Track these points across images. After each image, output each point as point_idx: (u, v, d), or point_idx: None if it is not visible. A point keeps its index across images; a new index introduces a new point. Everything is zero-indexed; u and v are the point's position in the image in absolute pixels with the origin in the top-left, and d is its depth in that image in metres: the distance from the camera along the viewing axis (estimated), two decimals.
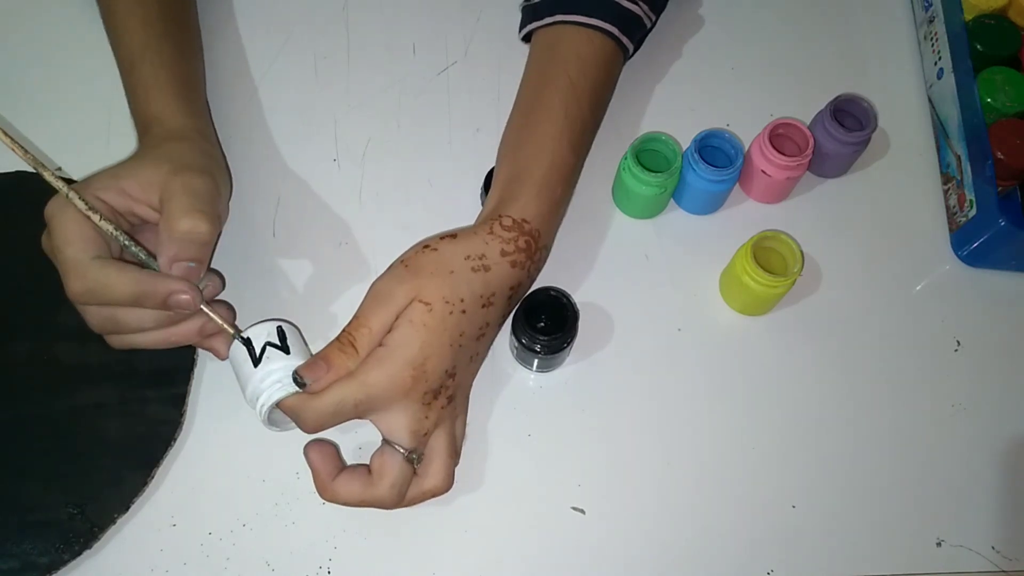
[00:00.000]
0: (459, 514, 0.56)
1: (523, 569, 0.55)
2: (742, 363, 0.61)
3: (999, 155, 0.62)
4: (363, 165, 0.66)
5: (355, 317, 0.52)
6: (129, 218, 0.53)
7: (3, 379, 0.57)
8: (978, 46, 0.66)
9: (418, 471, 0.53)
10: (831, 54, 0.72)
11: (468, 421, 0.57)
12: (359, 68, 0.69)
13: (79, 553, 0.53)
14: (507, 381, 0.59)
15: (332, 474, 0.52)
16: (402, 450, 0.51)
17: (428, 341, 0.50)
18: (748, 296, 0.60)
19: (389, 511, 0.53)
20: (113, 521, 0.53)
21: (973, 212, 0.62)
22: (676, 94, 0.69)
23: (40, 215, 0.61)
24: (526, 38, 0.64)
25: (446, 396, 0.53)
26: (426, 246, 0.53)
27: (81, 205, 0.49)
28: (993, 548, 0.56)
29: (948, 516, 0.57)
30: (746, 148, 0.64)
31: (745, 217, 0.65)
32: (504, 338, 0.60)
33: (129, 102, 0.59)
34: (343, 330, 0.52)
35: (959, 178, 0.64)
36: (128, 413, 0.56)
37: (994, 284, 0.64)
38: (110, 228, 0.50)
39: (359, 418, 0.52)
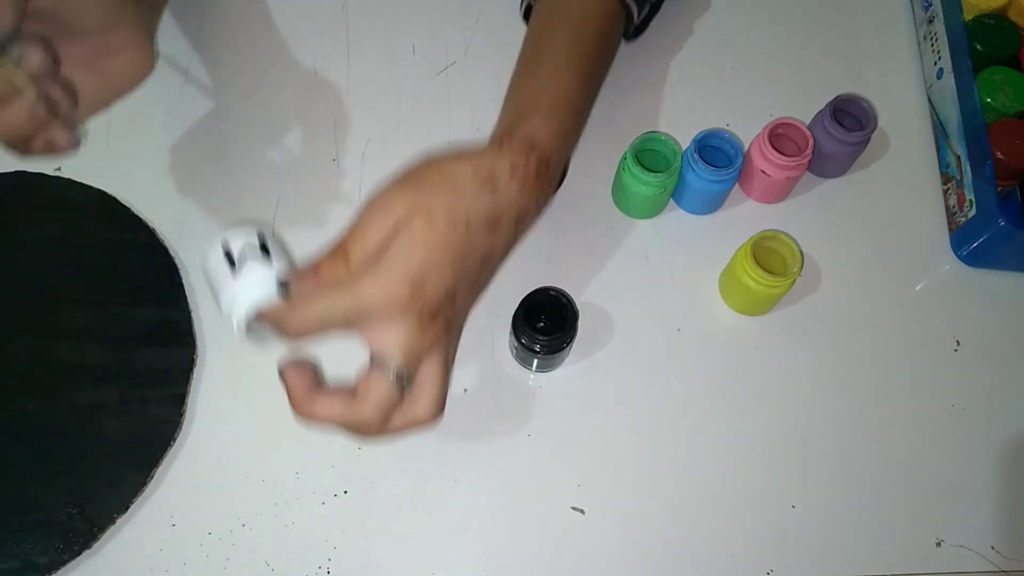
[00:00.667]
0: (459, 514, 0.56)
1: (523, 569, 0.55)
2: (742, 363, 0.61)
3: (999, 155, 0.62)
4: (363, 165, 0.66)
5: (349, 227, 0.47)
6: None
7: (3, 379, 0.57)
8: (978, 46, 0.66)
9: (406, 398, 0.48)
10: (831, 54, 0.72)
11: (468, 421, 0.57)
12: (359, 68, 0.69)
13: (79, 553, 0.53)
14: (507, 381, 0.59)
15: (309, 391, 0.47)
16: (392, 371, 0.46)
17: (428, 258, 0.46)
18: (748, 296, 0.60)
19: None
20: (113, 521, 0.54)
21: (973, 212, 0.62)
22: (676, 94, 0.69)
23: (40, 215, 0.62)
24: (527, 16, 0.63)
25: (444, 319, 0.48)
26: (430, 158, 0.49)
27: None
28: (993, 548, 0.56)
29: (947, 516, 0.57)
30: (746, 148, 0.64)
31: (745, 217, 0.65)
32: (504, 338, 0.60)
33: None
34: (339, 236, 0.48)
35: (959, 178, 0.64)
36: (128, 413, 0.56)
37: (994, 284, 0.64)
38: None
39: (346, 331, 0.47)
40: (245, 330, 0.48)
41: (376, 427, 0.47)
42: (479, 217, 0.48)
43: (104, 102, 0.50)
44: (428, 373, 0.48)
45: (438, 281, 0.47)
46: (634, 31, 0.66)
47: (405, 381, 0.47)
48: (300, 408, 0.48)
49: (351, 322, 0.47)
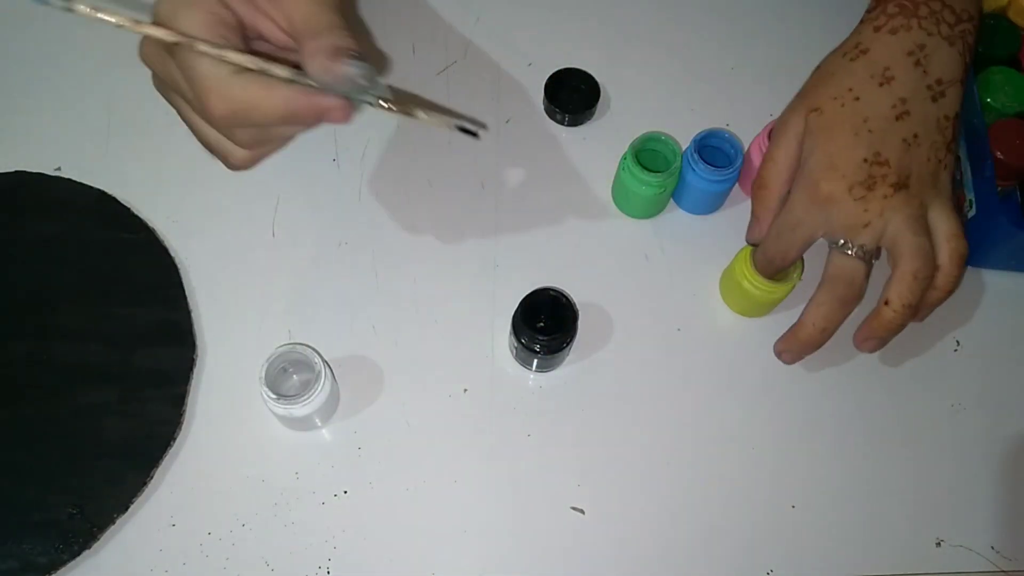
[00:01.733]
0: (459, 514, 0.56)
1: (523, 569, 0.55)
2: (742, 363, 0.61)
3: (999, 155, 0.62)
4: (363, 165, 0.66)
5: (763, 157, 0.55)
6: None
7: (3, 379, 0.57)
8: (978, 46, 0.66)
9: (895, 263, 0.52)
10: None
11: (468, 421, 0.57)
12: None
13: (78, 553, 0.53)
14: (507, 381, 0.59)
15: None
16: (849, 250, 0.52)
17: (827, 142, 0.52)
18: (747, 300, 0.60)
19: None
20: (112, 521, 0.53)
21: (973, 212, 0.62)
22: (676, 94, 0.69)
23: (39, 215, 0.62)
24: None
25: (887, 184, 0.51)
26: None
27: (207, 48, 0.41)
28: (992, 548, 0.56)
29: (948, 516, 0.57)
30: (746, 148, 0.64)
31: (745, 217, 0.65)
32: (504, 338, 0.60)
33: None
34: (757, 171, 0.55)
35: (959, 178, 0.64)
36: (128, 413, 0.56)
37: (994, 284, 0.64)
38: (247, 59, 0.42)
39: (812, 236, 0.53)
40: None
41: (850, 303, 0.53)
42: (861, 80, 0.53)
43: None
44: (900, 232, 0.51)
45: (849, 155, 0.51)
46: None
47: (865, 254, 0.52)
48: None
49: (806, 228, 0.53)
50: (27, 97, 0.67)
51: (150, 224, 0.62)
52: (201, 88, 0.42)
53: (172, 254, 0.61)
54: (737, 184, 0.65)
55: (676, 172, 0.61)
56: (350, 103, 0.43)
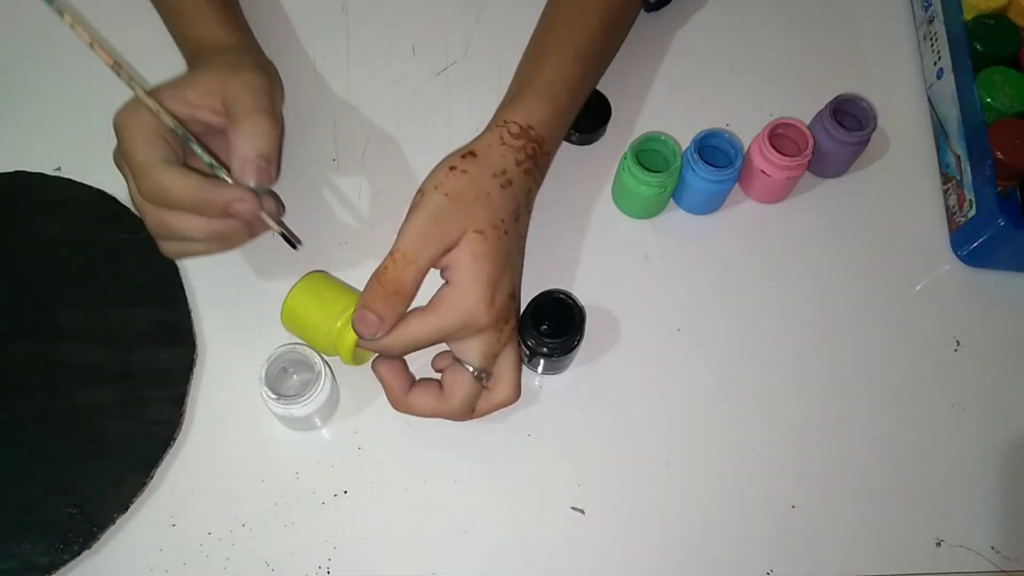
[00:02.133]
0: (459, 514, 0.56)
1: (523, 569, 0.55)
2: (742, 363, 0.61)
3: (999, 155, 0.62)
4: (363, 165, 0.66)
5: (399, 255, 0.50)
6: (193, 125, 0.53)
7: (3, 379, 0.57)
8: (978, 46, 0.66)
9: (489, 386, 0.55)
10: (831, 54, 0.72)
11: (468, 421, 0.57)
12: (359, 68, 0.69)
13: (79, 553, 0.53)
14: None
15: (404, 389, 0.54)
16: (472, 370, 0.53)
17: (492, 271, 0.51)
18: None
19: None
20: (113, 521, 0.53)
21: (973, 212, 0.62)
22: (676, 94, 0.69)
23: (39, 215, 0.62)
24: None
25: (513, 318, 0.54)
26: (453, 167, 0.53)
27: (151, 104, 0.50)
28: (992, 548, 0.56)
29: (948, 516, 0.57)
30: (746, 148, 0.64)
31: (745, 217, 0.65)
32: None
33: (173, 31, 0.61)
34: (384, 268, 0.50)
35: (959, 178, 0.64)
36: (128, 413, 0.56)
37: (994, 284, 0.64)
38: (176, 125, 0.51)
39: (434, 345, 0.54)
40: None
41: (463, 415, 0.54)
42: (509, 214, 0.53)
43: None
44: (505, 365, 0.55)
45: (504, 289, 0.53)
46: (656, 2, 0.68)
47: (484, 377, 0.54)
48: (398, 403, 0.55)
49: (437, 341, 0.52)
50: (27, 97, 0.67)
51: None
52: (135, 170, 0.51)
53: None
54: (737, 184, 0.65)
55: (676, 172, 0.61)
56: (254, 199, 0.51)
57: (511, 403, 0.56)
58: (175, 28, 0.61)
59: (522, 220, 0.55)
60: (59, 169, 0.64)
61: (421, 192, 0.52)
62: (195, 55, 0.59)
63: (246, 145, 0.51)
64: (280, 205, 0.56)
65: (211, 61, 0.56)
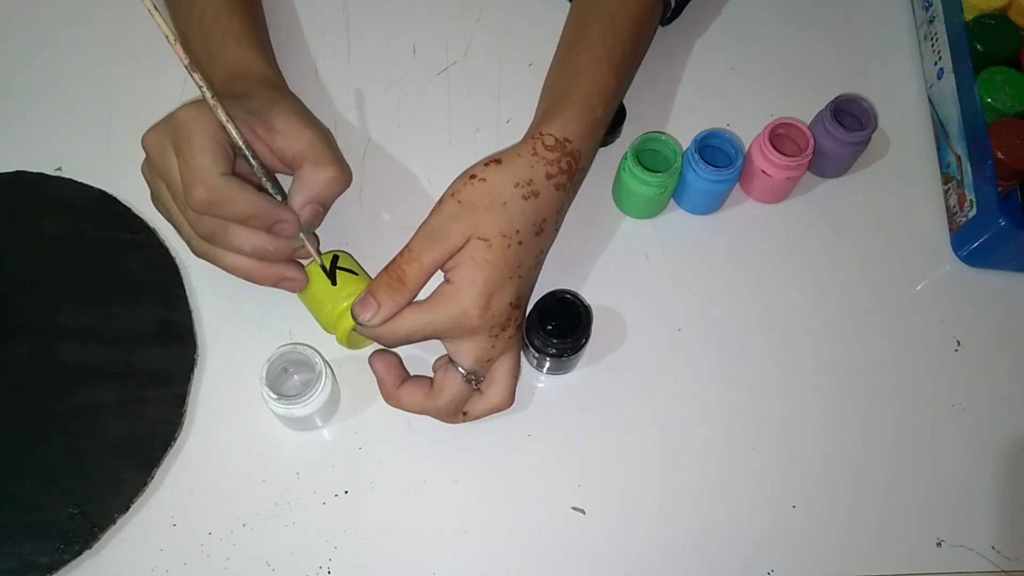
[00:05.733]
0: (459, 514, 0.56)
1: (523, 569, 0.55)
2: (742, 363, 0.61)
3: (999, 155, 0.62)
4: (363, 165, 0.66)
5: (407, 251, 0.52)
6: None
7: (3, 379, 0.57)
8: (978, 46, 0.66)
9: (482, 389, 0.55)
10: (831, 54, 0.72)
11: (458, 423, 0.57)
12: (359, 68, 0.69)
13: (79, 553, 0.53)
14: None
15: (396, 383, 0.55)
16: (463, 372, 0.53)
17: (491, 278, 0.51)
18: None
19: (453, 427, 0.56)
20: (113, 521, 0.53)
21: (973, 212, 0.62)
22: (676, 94, 0.69)
23: (39, 215, 0.62)
24: None
25: (513, 326, 0.54)
26: (473, 176, 0.53)
27: (222, 116, 0.50)
28: (993, 548, 0.56)
29: (948, 516, 0.57)
30: (746, 148, 0.64)
31: (745, 217, 0.65)
32: None
33: (208, 50, 0.60)
34: (393, 260, 0.52)
35: (959, 178, 0.64)
36: (128, 413, 0.56)
37: (994, 284, 0.64)
38: (243, 143, 0.51)
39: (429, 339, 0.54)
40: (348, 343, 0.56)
41: (450, 415, 0.55)
42: (527, 226, 0.53)
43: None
44: (500, 370, 0.55)
45: (503, 298, 0.52)
46: (670, 16, 0.68)
47: (474, 380, 0.54)
48: (389, 399, 0.55)
49: (431, 337, 0.53)
50: (27, 97, 0.67)
51: (150, 224, 0.62)
52: (192, 176, 0.50)
53: (172, 254, 0.61)
54: (737, 184, 0.65)
55: (676, 172, 0.61)
56: (298, 222, 0.54)
57: (502, 408, 0.56)
58: (216, 45, 0.60)
59: (546, 234, 0.55)
60: (59, 169, 0.64)
61: (442, 197, 0.53)
62: (234, 79, 0.58)
63: (317, 189, 0.54)
64: (317, 241, 0.58)
65: (283, 100, 0.57)
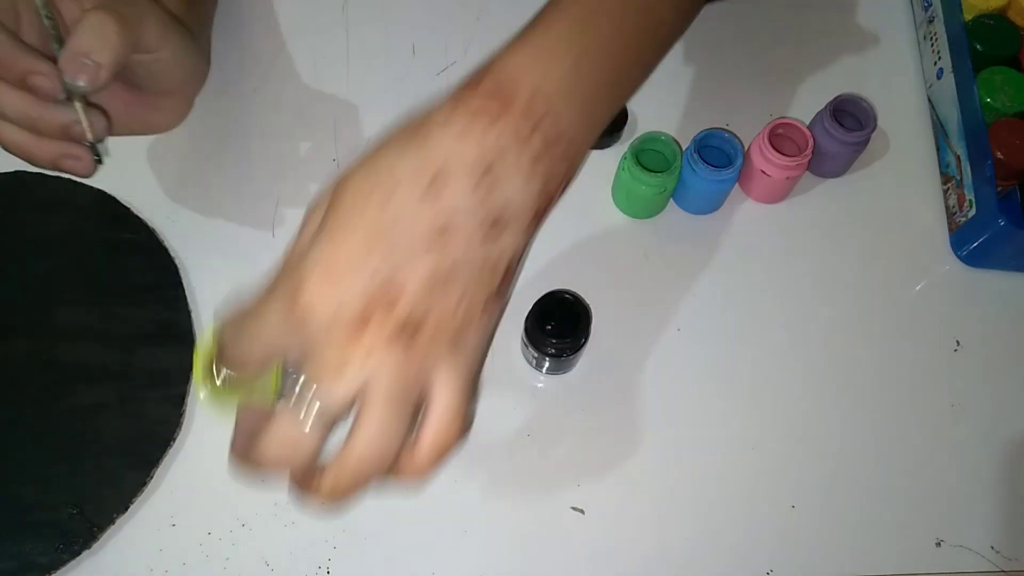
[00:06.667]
0: (459, 514, 0.56)
1: (523, 569, 0.55)
2: (741, 363, 0.61)
3: (999, 155, 0.62)
4: None
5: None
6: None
7: (3, 379, 0.57)
8: (978, 46, 0.66)
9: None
10: (831, 54, 0.72)
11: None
12: (359, 68, 0.69)
13: (78, 553, 0.53)
14: (507, 381, 0.59)
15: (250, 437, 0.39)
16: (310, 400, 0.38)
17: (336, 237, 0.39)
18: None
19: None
20: (112, 521, 0.53)
21: (973, 212, 0.62)
22: (676, 94, 0.69)
23: (39, 215, 0.62)
24: None
25: (393, 324, 0.37)
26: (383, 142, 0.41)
27: None
28: (992, 548, 0.56)
29: (948, 516, 0.57)
30: (746, 148, 0.64)
31: (745, 217, 0.65)
32: (503, 337, 0.60)
33: None
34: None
35: (959, 178, 0.64)
36: (128, 413, 0.56)
37: (994, 284, 0.64)
38: None
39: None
40: None
41: (371, 472, 0.38)
42: (411, 175, 0.38)
43: (119, 134, 0.52)
44: (438, 391, 0.38)
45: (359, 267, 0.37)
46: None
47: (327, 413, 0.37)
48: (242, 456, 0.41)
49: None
50: None
51: (150, 224, 0.62)
52: None
53: (172, 254, 0.61)
54: (737, 184, 0.65)
55: (676, 172, 0.61)
56: (57, 79, 0.46)
57: (451, 444, 0.39)
58: None
59: (452, 192, 0.38)
60: None
61: None
62: None
63: (89, 37, 0.45)
64: (106, 125, 0.50)
65: None
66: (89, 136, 0.48)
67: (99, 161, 0.51)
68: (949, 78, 0.66)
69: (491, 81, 0.40)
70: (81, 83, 0.45)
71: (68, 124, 0.47)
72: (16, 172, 0.63)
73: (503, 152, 0.39)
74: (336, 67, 0.69)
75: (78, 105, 0.47)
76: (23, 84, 0.45)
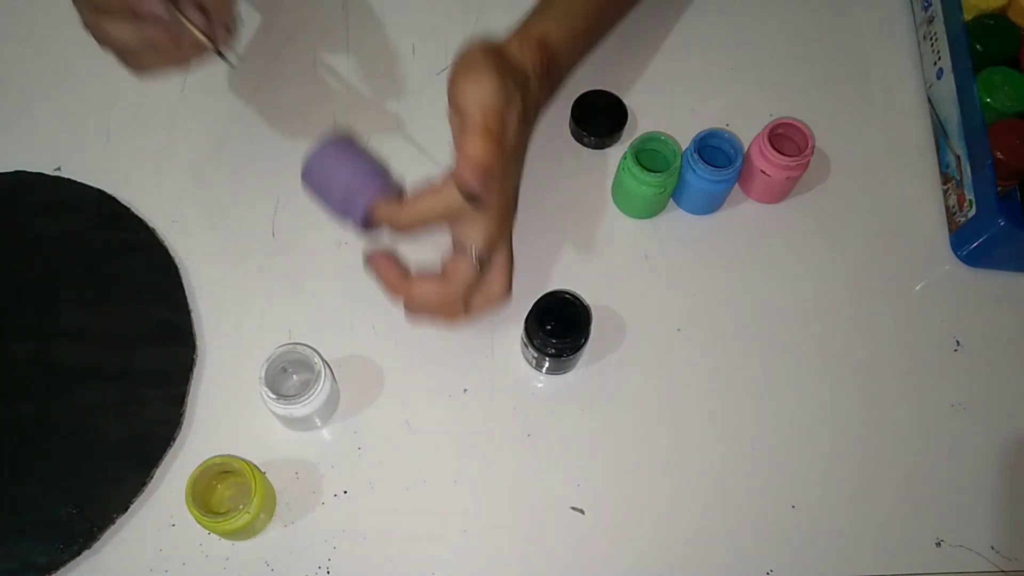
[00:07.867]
0: (459, 514, 0.56)
1: (523, 569, 0.55)
2: (741, 363, 0.60)
3: (999, 155, 0.62)
4: None
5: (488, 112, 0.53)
6: None
7: (3, 379, 0.57)
8: (978, 46, 0.66)
9: (483, 280, 0.56)
10: (831, 54, 0.72)
11: (468, 421, 0.57)
12: (359, 68, 0.69)
13: (79, 553, 0.53)
14: (507, 381, 0.59)
15: (401, 277, 0.55)
16: (474, 255, 0.54)
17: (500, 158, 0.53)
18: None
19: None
20: (112, 521, 0.53)
21: (972, 212, 0.62)
22: (676, 94, 0.69)
23: (40, 215, 0.62)
24: None
25: (512, 213, 0.57)
26: (482, 50, 0.55)
27: None
28: (992, 548, 0.56)
29: (948, 516, 0.57)
30: (746, 148, 0.64)
31: (744, 217, 0.65)
32: (503, 337, 0.60)
33: None
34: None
35: (959, 178, 0.64)
36: (128, 413, 0.56)
37: (993, 284, 0.64)
38: None
39: (441, 225, 0.54)
40: (363, 224, 0.55)
41: (458, 304, 0.55)
42: (522, 113, 0.55)
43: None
44: (499, 259, 0.56)
45: (514, 181, 0.55)
46: None
47: (483, 264, 0.54)
48: (397, 290, 0.55)
49: (446, 219, 0.53)
50: (27, 97, 0.67)
51: (150, 224, 0.62)
52: None
53: (172, 254, 0.61)
54: (737, 184, 0.65)
55: (676, 172, 0.61)
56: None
57: (504, 299, 0.57)
58: None
59: (527, 127, 0.57)
60: (59, 169, 0.64)
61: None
62: None
63: None
64: (210, 24, 0.55)
65: None
66: (201, 39, 0.53)
67: (231, 64, 0.55)
68: (949, 78, 0.66)
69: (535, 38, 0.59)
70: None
71: (179, 36, 0.53)
72: (16, 172, 0.63)
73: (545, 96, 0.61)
74: (336, 67, 0.69)
75: (180, 15, 0.52)
76: (134, 11, 0.51)
